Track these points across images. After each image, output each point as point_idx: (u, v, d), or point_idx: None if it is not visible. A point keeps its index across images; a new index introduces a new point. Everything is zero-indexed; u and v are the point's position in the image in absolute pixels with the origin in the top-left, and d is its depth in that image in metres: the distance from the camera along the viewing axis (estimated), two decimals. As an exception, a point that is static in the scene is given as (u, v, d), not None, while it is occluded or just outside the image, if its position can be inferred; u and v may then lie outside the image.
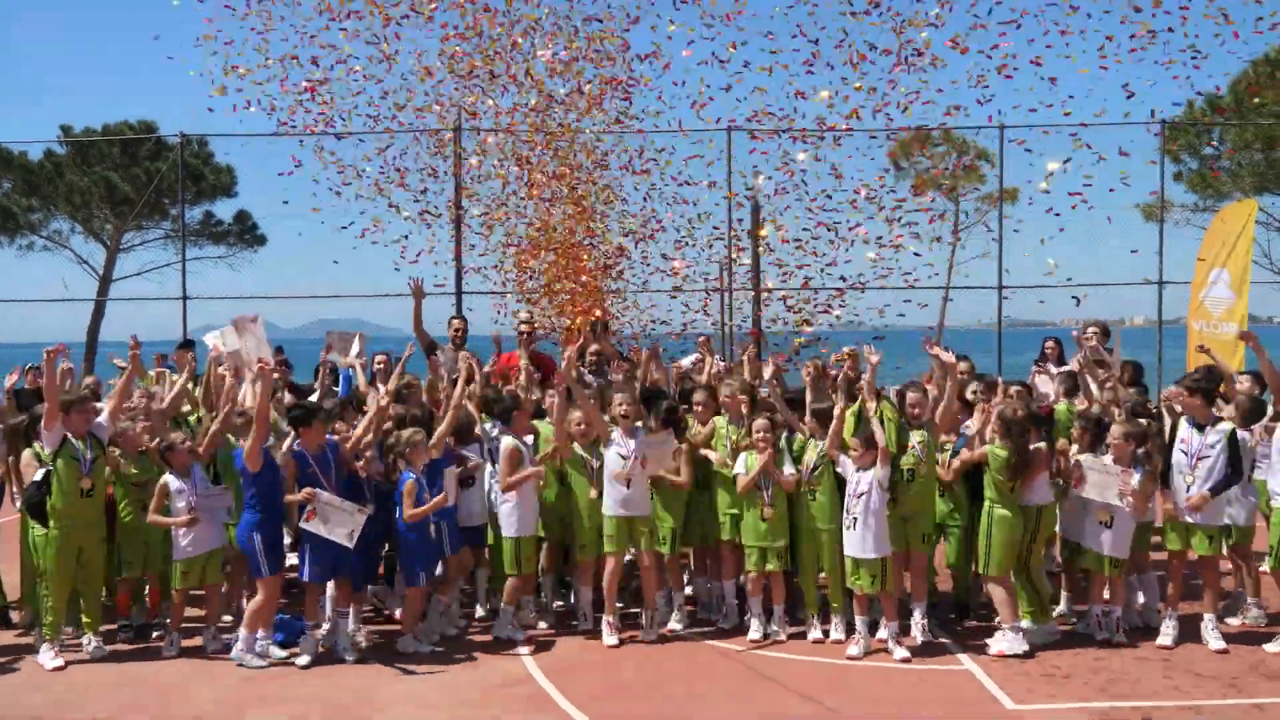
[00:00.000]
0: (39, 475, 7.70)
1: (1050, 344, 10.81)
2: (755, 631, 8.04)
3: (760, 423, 8.00)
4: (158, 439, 8.09)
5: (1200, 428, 7.72)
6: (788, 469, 8.00)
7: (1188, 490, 7.66)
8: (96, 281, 30.25)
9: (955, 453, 7.98)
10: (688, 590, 8.82)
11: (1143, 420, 8.15)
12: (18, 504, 8.50)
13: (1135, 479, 7.63)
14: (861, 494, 7.55)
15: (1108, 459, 7.73)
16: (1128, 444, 7.72)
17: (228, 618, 8.36)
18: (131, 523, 8.06)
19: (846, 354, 8.93)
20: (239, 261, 30.98)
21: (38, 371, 11.57)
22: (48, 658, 7.57)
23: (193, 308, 16.89)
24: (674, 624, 8.33)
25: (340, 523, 7.44)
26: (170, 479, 7.80)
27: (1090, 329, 10.04)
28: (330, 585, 7.85)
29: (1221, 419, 7.84)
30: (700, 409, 8.48)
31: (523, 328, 10.56)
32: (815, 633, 7.99)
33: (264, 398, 7.56)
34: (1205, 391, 7.78)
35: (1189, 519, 7.67)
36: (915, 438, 7.86)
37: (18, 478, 8.62)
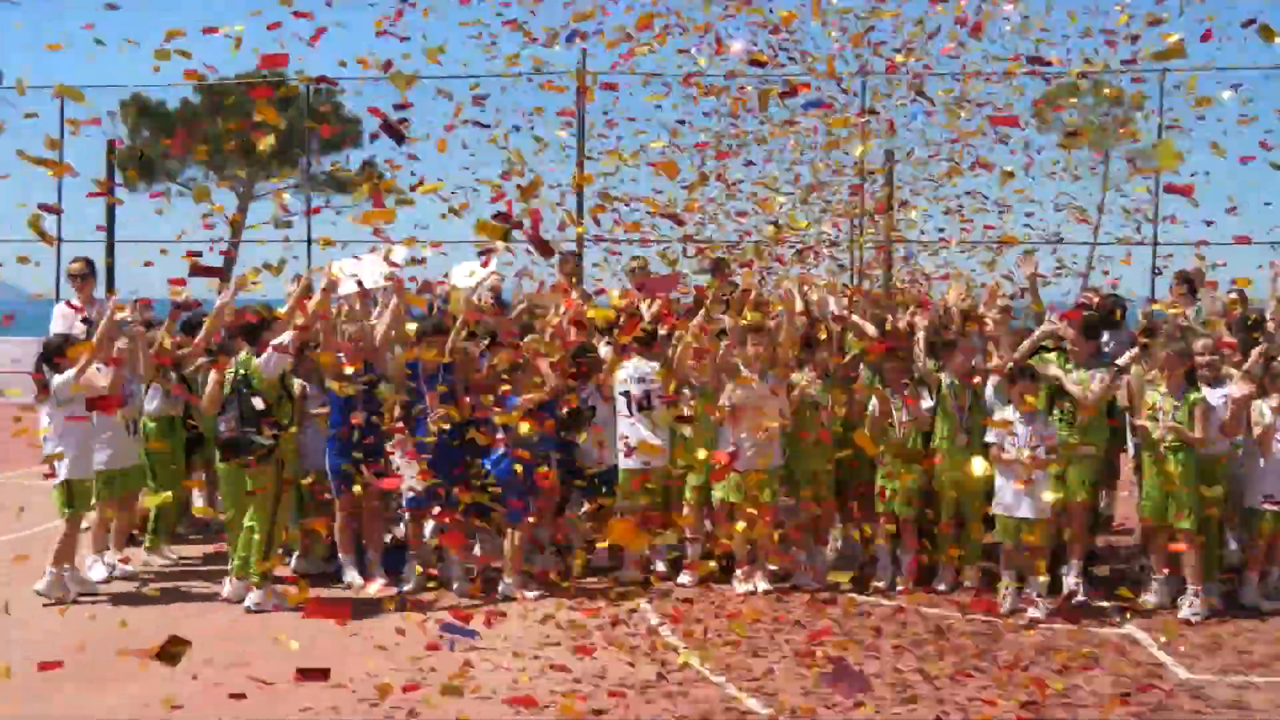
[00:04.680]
0: (231, 407, 6.92)
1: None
2: (881, 580, 7.51)
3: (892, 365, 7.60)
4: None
5: None
6: (924, 404, 7.44)
7: None
8: (228, 229, 30.99)
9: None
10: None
11: None
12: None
13: None
14: (1035, 447, 6.90)
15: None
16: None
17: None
18: None
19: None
20: (362, 209, 31.17)
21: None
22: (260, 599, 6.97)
23: (318, 254, 16.80)
24: (804, 577, 7.65)
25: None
26: (298, 381, 7.46)
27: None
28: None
29: None
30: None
31: (634, 263, 10.01)
32: (944, 584, 7.44)
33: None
34: None
35: None
36: (1076, 376, 7.15)
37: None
